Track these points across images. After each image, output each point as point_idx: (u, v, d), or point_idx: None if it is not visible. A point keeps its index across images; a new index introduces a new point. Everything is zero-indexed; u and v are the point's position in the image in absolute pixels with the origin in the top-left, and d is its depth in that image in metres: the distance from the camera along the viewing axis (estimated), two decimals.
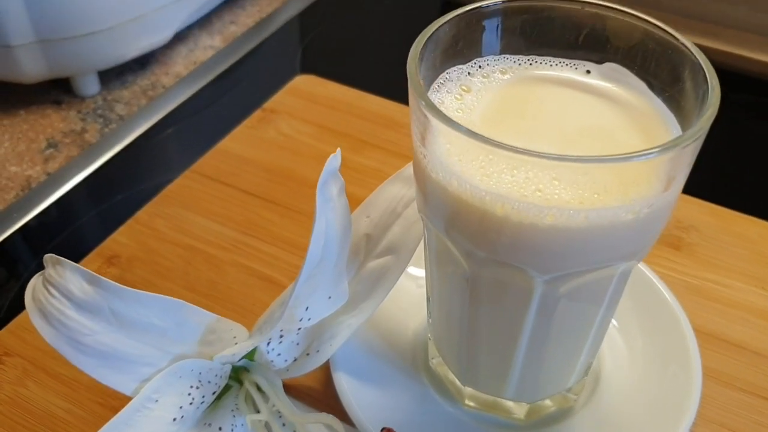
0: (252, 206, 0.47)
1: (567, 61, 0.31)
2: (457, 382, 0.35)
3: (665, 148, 0.24)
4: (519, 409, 0.34)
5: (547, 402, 0.35)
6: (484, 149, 0.24)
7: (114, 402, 0.36)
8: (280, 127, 0.52)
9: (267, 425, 0.32)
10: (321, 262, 0.32)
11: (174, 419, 0.31)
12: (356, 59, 0.65)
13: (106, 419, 0.35)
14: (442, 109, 0.26)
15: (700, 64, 0.27)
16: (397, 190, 0.35)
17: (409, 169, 0.35)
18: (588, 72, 0.31)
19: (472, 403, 0.35)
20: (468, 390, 0.35)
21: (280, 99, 0.55)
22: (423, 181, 0.28)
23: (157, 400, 0.30)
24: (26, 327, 0.40)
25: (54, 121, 0.55)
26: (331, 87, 0.56)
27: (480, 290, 0.29)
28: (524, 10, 0.30)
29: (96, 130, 0.55)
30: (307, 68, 0.61)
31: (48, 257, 0.29)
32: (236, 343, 0.33)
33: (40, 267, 0.29)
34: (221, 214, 0.46)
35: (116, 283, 0.29)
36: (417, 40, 0.28)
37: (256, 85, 0.61)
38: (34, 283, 0.29)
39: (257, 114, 0.53)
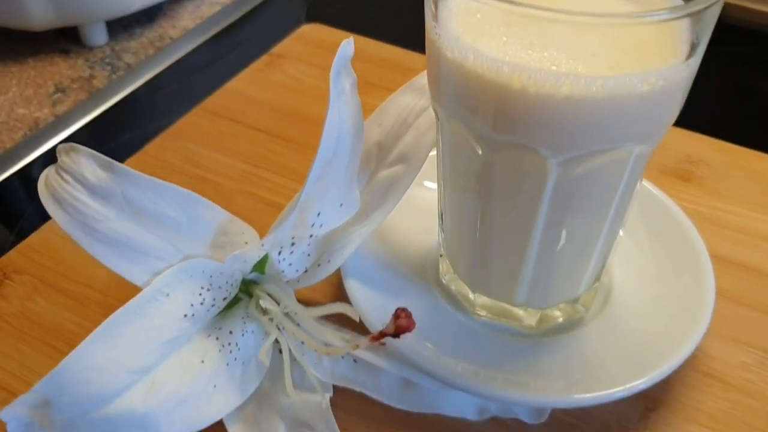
0: (260, 141, 0.47)
1: None
2: (469, 294, 0.35)
3: (688, 9, 0.24)
4: (529, 317, 0.34)
5: (557, 313, 0.35)
6: (503, 9, 0.24)
7: None
8: (287, 70, 0.52)
9: (279, 326, 0.32)
10: (333, 160, 0.32)
11: (185, 315, 0.30)
12: (362, 11, 0.65)
13: None
14: None
15: None
16: (408, 100, 0.35)
17: (420, 79, 0.36)
18: None
19: (483, 313, 0.35)
20: (479, 299, 0.34)
21: (287, 45, 0.55)
22: (437, 63, 0.28)
23: (168, 294, 0.30)
24: (34, 248, 0.40)
25: (62, 69, 0.56)
26: (337, 34, 0.56)
27: (494, 182, 0.29)
28: None
29: (104, 77, 0.55)
30: (312, 21, 0.61)
31: (61, 146, 0.29)
32: (245, 245, 0.33)
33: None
34: (229, 147, 0.46)
35: (130, 169, 0.29)
36: None
37: (262, 38, 0.61)
38: (47, 173, 0.29)
39: (264, 58, 0.53)
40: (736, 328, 0.36)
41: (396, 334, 0.27)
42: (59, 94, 0.53)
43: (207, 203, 0.31)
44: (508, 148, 0.28)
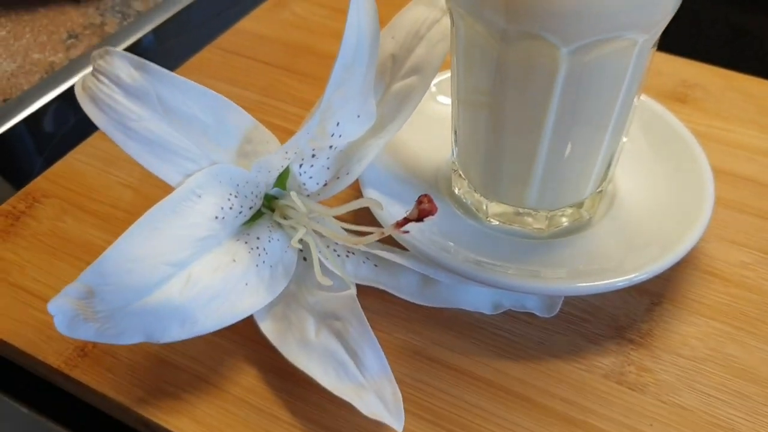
0: (273, 74, 0.48)
1: None
2: (483, 203, 0.36)
3: None
4: (539, 220, 0.36)
5: (563, 219, 0.36)
6: None
7: None
8: (295, 10, 0.54)
9: (306, 234, 0.33)
10: (352, 67, 0.34)
11: (216, 217, 0.32)
12: None
13: None
14: None
15: None
16: (420, 13, 0.37)
17: None
18: None
19: (495, 219, 0.37)
20: (492, 206, 0.36)
21: None
22: None
23: (200, 196, 0.31)
24: (60, 174, 0.41)
25: (73, 17, 0.57)
26: None
27: (507, 79, 0.31)
28: None
29: (115, 23, 0.56)
30: None
31: (96, 51, 0.30)
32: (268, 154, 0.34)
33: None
34: (243, 81, 0.48)
35: (163, 69, 0.30)
36: None
37: None
38: (84, 77, 0.31)
39: (273, 0, 0.55)
40: (735, 232, 0.38)
41: (420, 218, 0.28)
42: (72, 40, 0.54)
43: (234, 107, 0.33)
44: (522, 39, 0.29)
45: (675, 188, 0.37)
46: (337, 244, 0.35)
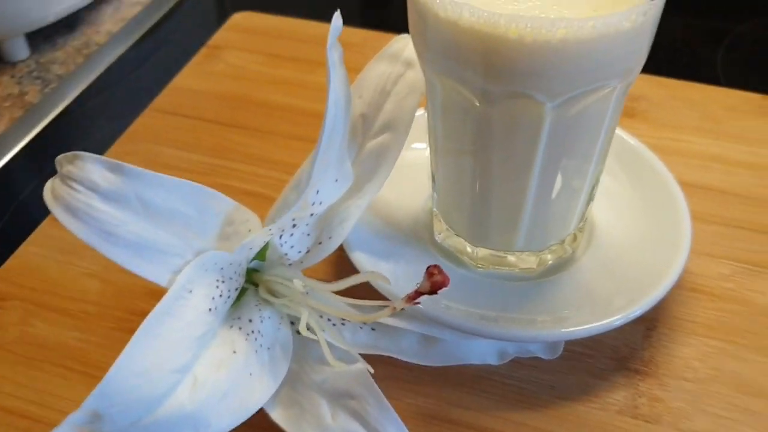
0: (220, 132, 0.46)
1: None
2: (468, 248, 0.36)
3: None
4: (528, 261, 0.36)
5: (549, 256, 0.36)
6: None
7: (128, 324, 0.36)
8: (229, 60, 0.52)
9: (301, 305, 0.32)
10: (331, 137, 0.33)
11: (209, 309, 0.30)
12: None
13: (124, 341, 0.35)
14: None
15: None
16: (383, 69, 0.36)
17: (391, 47, 0.36)
18: None
19: (482, 264, 0.36)
20: (480, 251, 0.36)
21: (222, 36, 0.54)
22: (427, 25, 0.29)
23: (191, 291, 0.30)
24: (15, 272, 0.38)
25: None
26: (271, 20, 0.56)
27: (491, 135, 0.31)
28: None
29: (36, 91, 0.53)
30: (238, 9, 0.60)
31: (62, 156, 0.28)
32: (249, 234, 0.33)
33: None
34: (190, 143, 0.46)
35: (140, 168, 0.28)
36: None
37: (189, 32, 0.60)
38: (51, 184, 0.28)
39: (203, 51, 0.53)
40: (709, 244, 0.39)
41: (433, 291, 0.28)
42: None
43: (214, 193, 0.31)
44: (506, 98, 0.29)
45: (649, 211, 0.38)
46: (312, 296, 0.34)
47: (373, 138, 0.35)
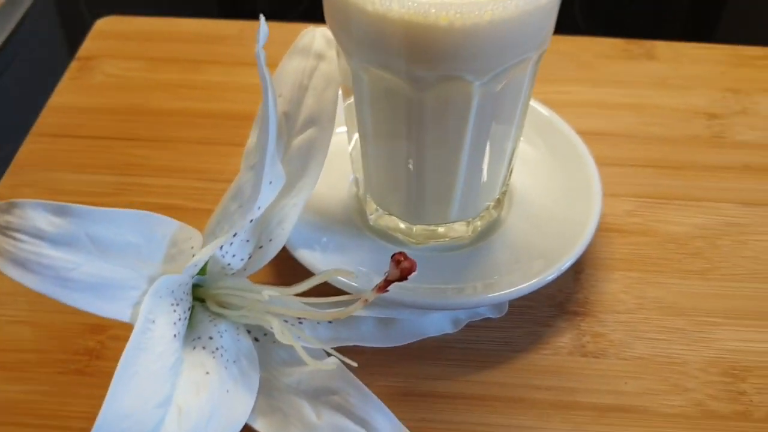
0: (117, 148, 0.44)
1: None
2: (402, 225, 0.37)
3: None
4: (460, 230, 0.38)
5: (479, 223, 0.38)
6: None
7: (73, 365, 0.34)
8: (106, 70, 0.50)
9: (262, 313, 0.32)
10: (264, 144, 0.32)
11: (174, 335, 0.30)
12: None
13: (75, 383, 0.34)
14: None
15: None
16: (297, 64, 0.36)
17: (300, 41, 0.36)
18: None
19: (418, 239, 0.38)
20: (416, 228, 0.37)
21: (91, 45, 0.51)
22: (353, 19, 0.29)
23: (153, 321, 0.29)
24: None
25: None
26: (137, 22, 0.54)
27: (424, 118, 0.32)
28: None
29: None
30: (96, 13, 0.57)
31: None
32: (194, 254, 0.32)
33: None
34: (89, 164, 0.43)
35: (85, 206, 0.27)
36: None
37: (43, 45, 0.57)
38: None
39: (74, 65, 0.50)
40: (611, 185, 0.42)
41: (403, 277, 0.29)
42: None
43: (158, 217, 0.30)
44: (437, 82, 0.30)
45: (558, 165, 0.41)
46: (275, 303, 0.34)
47: (298, 134, 0.36)
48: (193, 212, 0.41)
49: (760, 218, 0.41)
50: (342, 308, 0.30)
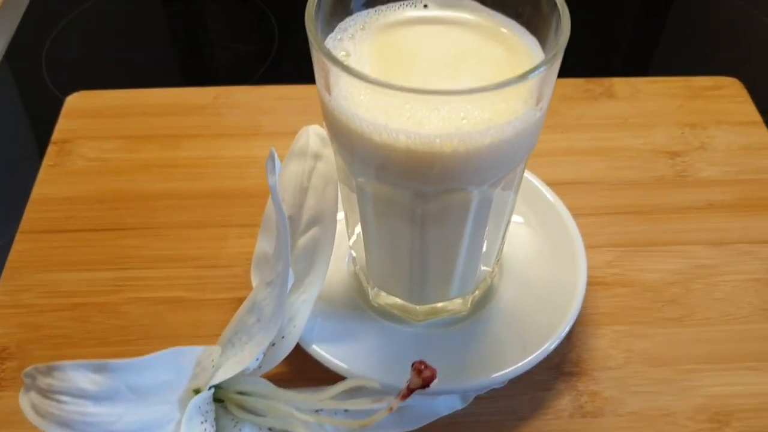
0: (109, 240, 0.45)
1: (404, 2, 0.35)
2: (408, 305, 0.39)
3: (523, 76, 0.28)
4: (462, 304, 0.40)
5: (476, 292, 0.41)
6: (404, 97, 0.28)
7: None
8: (85, 153, 0.50)
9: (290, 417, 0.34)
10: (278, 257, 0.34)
11: None
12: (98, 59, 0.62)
13: None
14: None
15: None
16: (296, 167, 0.37)
17: (297, 144, 0.38)
18: (425, 6, 0.35)
19: (420, 317, 0.40)
20: (418, 308, 0.39)
21: (64, 126, 0.51)
22: (361, 146, 0.31)
23: None
24: None
25: None
26: (108, 96, 0.53)
27: (425, 221, 0.34)
28: None
29: None
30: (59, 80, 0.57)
31: (33, 369, 0.28)
32: (213, 366, 0.34)
33: None
34: (86, 261, 0.44)
35: (123, 360, 0.28)
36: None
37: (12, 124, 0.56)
38: (31, 401, 0.28)
39: (51, 150, 0.50)
40: (590, 236, 0.45)
41: (425, 386, 0.31)
42: None
43: (185, 350, 0.32)
44: (440, 194, 0.32)
45: (540, 228, 0.43)
46: (300, 410, 0.36)
47: (302, 234, 0.37)
48: (196, 304, 0.42)
49: (726, 258, 0.45)
50: (365, 415, 0.32)
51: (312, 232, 0.37)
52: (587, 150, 0.51)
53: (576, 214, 0.46)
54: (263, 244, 0.38)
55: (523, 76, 0.28)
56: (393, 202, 0.33)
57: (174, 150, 0.50)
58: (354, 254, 0.41)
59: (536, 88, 0.30)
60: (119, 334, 0.41)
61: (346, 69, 0.28)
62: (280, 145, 0.50)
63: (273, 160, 0.31)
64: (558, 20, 0.30)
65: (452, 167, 0.30)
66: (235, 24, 0.66)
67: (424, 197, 0.32)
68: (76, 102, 0.53)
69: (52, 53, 0.63)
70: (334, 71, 0.29)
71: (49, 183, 0.48)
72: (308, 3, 0.31)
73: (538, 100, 0.30)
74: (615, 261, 0.44)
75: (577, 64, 0.55)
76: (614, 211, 0.47)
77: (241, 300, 0.41)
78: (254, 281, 0.38)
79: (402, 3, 0.35)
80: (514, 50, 0.33)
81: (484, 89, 0.27)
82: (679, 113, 0.53)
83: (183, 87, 0.55)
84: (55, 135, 0.51)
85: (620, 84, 0.55)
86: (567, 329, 0.38)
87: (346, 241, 0.41)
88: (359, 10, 0.34)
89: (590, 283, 0.43)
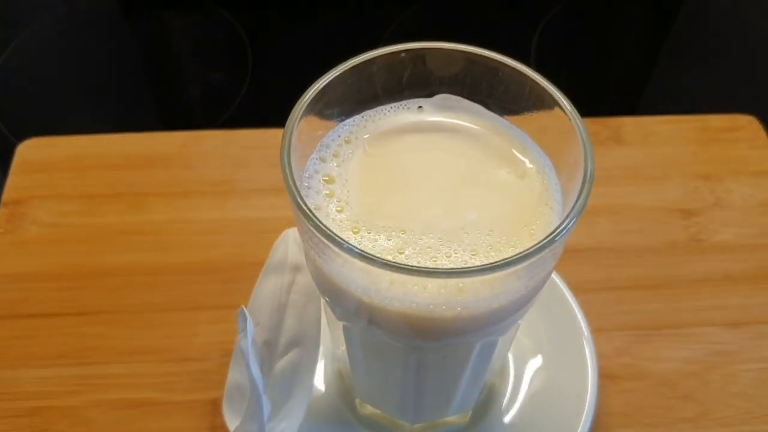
0: (71, 328, 0.41)
1: (397, 104, 0.30)
2: (404, 424, 0.35)
3: (526, 253, 0.23)
4: (461, 417, 0.36)
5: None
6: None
7: None
8: (39, 218, 0.45)
9: None
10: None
11: None
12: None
13: None
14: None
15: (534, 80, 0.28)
16: (271, 284, 0.33)
17: (273, 256, 0.33)
18: (420, 107, 0.30)
19: (417, 431, 0.36)
20: (416, 426, 0.35)
21: (16, 183, 0.46)
22: (354, 305, 0.26)
23: None
24: None
25: None
26: (64, 144, 0.48)
27: (424, 367, 0.30)
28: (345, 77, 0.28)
29: None
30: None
31: None
32: None
33: None
34: (45, 354, 0.39)
35: None
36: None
37: None
38: None
39: (2, 213, 0.45)
40: (597, 316, 0.41)
41: None
42: None
43: None
44: (437, 346, 0.28)
45: (543, 322, 0.39)
46: None
47: (280, 357, 0.33)
48: (165, 408, 0.38)
49: (744, 341, 0.41)
50: None
51: (291, 355, 0.33)
52: (591, 209, 0.46)
53: (579, 290, 0.42)
54: (235, 375, 0.34)
55: (536, 251, 0.23)
56: (384, 349, 0.29)
57: (138, 212, 0.45)
58: (338, 357, 0.37)
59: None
60: None
61: (330, 238, 0.23)
62: (255, 204, 0.46)
63: (245, 318, 0.27)
64: (584, 157, 0.26)
65: (455, 329, 0.26)
66: (205, 43, 0.60)
67: (421, 349, 0.28)
68: (28, 152, 0.48)
69: None
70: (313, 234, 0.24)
71: (1, 255, 0.43)
72: (284, 135, 0.26)
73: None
74: (625, 348, 0.41)
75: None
76: (622, 285, 0.43)
77: (214, 402, 0.38)
78: (227, 416, 0.34)
79: (393, 106, 0.30)
80: (522, 173, 0.28)
81: (485, 270, 0.23)
82: (693, 162, 0.49)
83: (150, 129, 0.49)
84: (6, 194, 0.46)
85: (630, 125, 0.50)
86: None
87: (328, 339, 0.37)
88: (343, 117, 0.29)
89: (600, 376, 0.40)
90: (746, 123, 0.51)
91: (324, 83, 0.27)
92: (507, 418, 0.37)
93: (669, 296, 0.43)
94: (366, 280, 0.24)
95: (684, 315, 0.42)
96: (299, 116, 0.26)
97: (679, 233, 0.45)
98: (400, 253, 0.25)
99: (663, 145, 0.49)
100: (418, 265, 0.25)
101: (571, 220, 0.24)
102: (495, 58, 0.28)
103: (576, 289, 0.42)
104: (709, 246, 0.45)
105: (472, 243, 0.26)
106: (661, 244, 0.45)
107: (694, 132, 0.50)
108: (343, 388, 0.37)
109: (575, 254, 0.44)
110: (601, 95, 0.65)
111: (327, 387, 0.38)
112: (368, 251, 0.24)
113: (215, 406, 0.38)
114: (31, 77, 0.57)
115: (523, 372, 0.38)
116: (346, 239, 0.24)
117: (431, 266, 0.25)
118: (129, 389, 0.39)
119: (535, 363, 0.38)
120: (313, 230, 0.23)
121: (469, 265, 0.25)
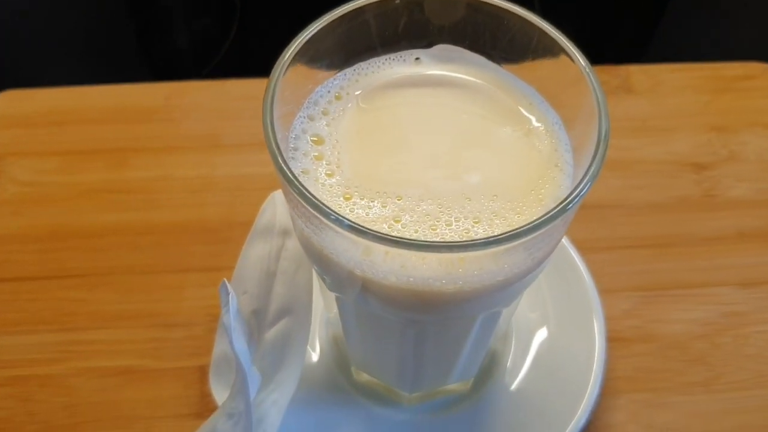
0: (53, 292, 0.39)
1: (393, 55, 0.27)
2: (402, 392, 0.34)
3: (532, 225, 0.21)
4: (462, 384, 0.34)
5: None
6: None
7: None
8: (17, 176, 0.42)
9: None
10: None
11: None
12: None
13: None
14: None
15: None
16: (260, 249, 0.31)
17: (260, 219, 0.31)
18: (417, 59, 0.28)
19: (414, 400, 0.34)
20: (414, 394, 0.34)
21: None
22: (359, 283, 0.24)
23: None
24: None
25: None
26: (44, 96, 0.46)
27: (423, 339, 0.28)
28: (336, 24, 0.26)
29: None
30: None
31: None
32: None
33: None
34: (25, 320, 0.38)
35: None
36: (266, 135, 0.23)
37: None
38: None
39: None
40: (605, 276, 0.39)
41: None
42: None
43: None
44: (437, 320, 0.26)
45: (550, 278, 0.37)
46: None
47: (270, 327, 0.31)
48: (153, 375, 0.36)
49: (759, 302, 0.39)
50: None
51: (282, 324, 0.31)
52: None
53: (586, 249, 0.40)
54: (221, 346, 0.32)
55: (546, 221, 0.21)
56: (380, 321, 0.27)
57: (121, 169, 0.43)
58: (332, 322, 0.35)
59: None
60: (66, 415, 0.35)
61: (316, 207, 0.21)
62: (243, 160, 0.44)
63: (227, 292, 0.25)
64: (597, 114, 0.23)
65: (456, 303, 0.24)
66: None
67: (419, 322, 0.26)
68: (4, 105, 0.45)
69: None
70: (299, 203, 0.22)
71: None
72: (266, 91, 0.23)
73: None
74: (634, 310, 0.39)
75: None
76: (631, 244, 0.41)
77: (203, 369, 0.36)
78: (214, 388, 0.32)
79: (388, 57, 0.27)
80: (529, 131, 0.26)
81: (488, 243, 0.21)
82: (705, 113, 0.46)
83: (135, 79, 0.47)
84: None
85: (639, 74, 0.48)
86: (584, 420, 0.33)
87: (321, 303, 0.35)
88: (334, 69, 0.27)
89: (607, 339, 0.38)
90: (761, 71, 0.48)
91: (311, 33, 0.25)
92: (511, 385, 0.35)
93: (679, 255, 0.41)
94: (358, 252, 0.22)
95: (695, 275, 0.40)
96: (283, 69, 0.24)
97: (691, 188, 0.43)
98: (397, 222, 0.23)
99: (673, 95, 0.47)
100: (416, 235, 0.23)
101: (585, 185, 0.22)
102: (499, 4, 0.26)
103: (582, 249, 0.40)
104: (722, 202, 0.43)
105: (475, 210, 0.24)
106: (671, 200, 0.43)
107: (706, 81, 0.48)
108: (338, 353, 0.36)
109: (581, 211, 0.41)
110: (608, 42, 0.62)
111: (321, 353, 0.36)
112: (361, 221, 0.22)
113: (203, 373, 0.36)
114: (8, 27, 0.53)
115: (527, 336, 0.36)
116: (337, 207, 0.22)
117: (430, 236, 0.23)
118: (113, 356, 0.37)
119: (539, 327, 0.37)
120: (299, 198, 0.21)
121: (471, 233, 0.23)
